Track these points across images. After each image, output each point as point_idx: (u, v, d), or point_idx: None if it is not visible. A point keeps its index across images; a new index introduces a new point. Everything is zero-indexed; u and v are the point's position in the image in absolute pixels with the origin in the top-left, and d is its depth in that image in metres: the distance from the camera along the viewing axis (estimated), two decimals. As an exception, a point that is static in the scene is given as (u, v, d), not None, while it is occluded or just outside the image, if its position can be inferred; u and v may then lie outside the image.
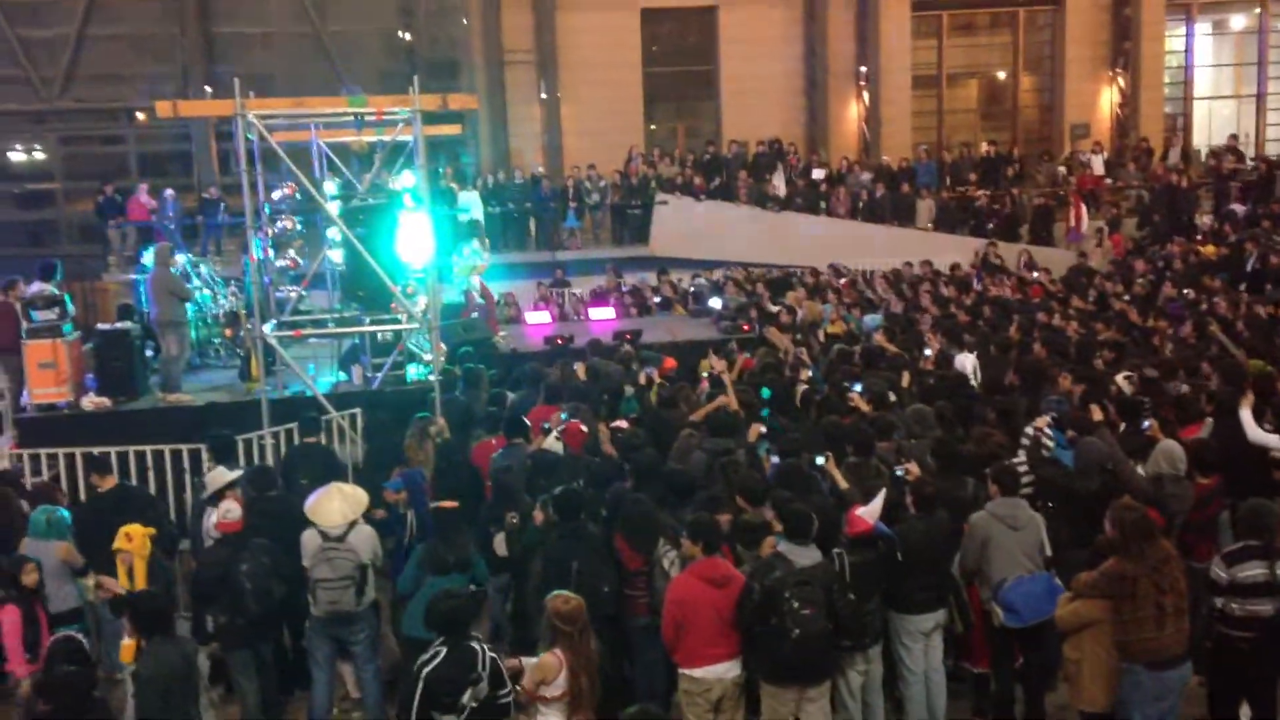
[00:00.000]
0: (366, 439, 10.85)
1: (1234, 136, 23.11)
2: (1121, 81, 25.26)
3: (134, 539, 7.21)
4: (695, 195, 21.87)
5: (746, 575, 6.36)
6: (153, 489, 10.20)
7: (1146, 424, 8.07)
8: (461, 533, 7.31)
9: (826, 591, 6.23)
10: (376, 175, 12.82)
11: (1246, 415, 8.10)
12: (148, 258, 12.69)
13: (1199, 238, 18.22)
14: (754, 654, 6.34)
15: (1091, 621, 6.10)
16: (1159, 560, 5.93)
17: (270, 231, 12.76)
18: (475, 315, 14.11)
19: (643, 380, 10.71)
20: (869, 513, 6.69)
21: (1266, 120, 26.45)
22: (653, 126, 25.34)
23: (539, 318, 16.92)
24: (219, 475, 8.00)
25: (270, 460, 10.43)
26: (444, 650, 5.61)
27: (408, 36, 24.12)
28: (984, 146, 23.70)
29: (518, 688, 5.67)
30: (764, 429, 8.54)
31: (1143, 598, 5.82)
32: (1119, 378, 9.50)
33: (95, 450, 9.65)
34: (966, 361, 10.71)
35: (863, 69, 24.78)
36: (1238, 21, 26.90)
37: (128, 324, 12.32)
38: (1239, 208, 19.15)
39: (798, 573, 6.15)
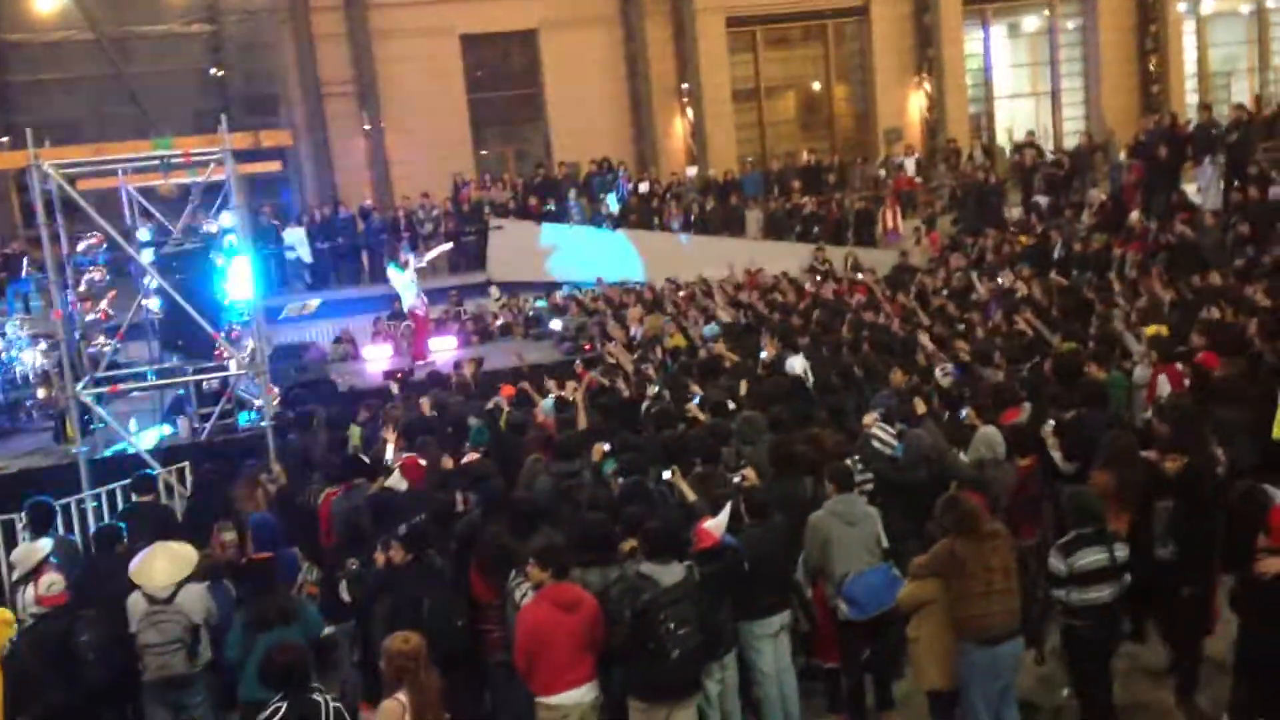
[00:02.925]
0: (193, 492, 10.40)
1: (1031, 132, 24.48)
2: (928, 86, 26.51)
3: None
4: (530, 218, 21.86)
5: (612, 598, 6.31)
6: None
7: (964, 412, 8.42)
8: (282, 585, 7.05)
9: (697, 607, 6.25)
10: (191, 218, 12.36)
11: (1052, 444, 8.22)
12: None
13: (1011, 230, 19.20)
14: (626, 673, 6.31)
15: (926, 601, 6.31)
16: (987, 537, 6.17)
17: (79, 284, 12.13)
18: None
19: (490, 405, 10.60)
20: (715, 525, 6.76)
21: (1063, 115, 28.17)
22: (483, 151, 25.25)
23: (378, 352, 16.59)
24: (30, 551, 7.52)
25: (92, 524, 9.88)
26: (284, 705, 5.40)
27: (219, 74, 23.39)
28: (805, 155, 24.47)
29: None
30: (607, 447, 8.55)
31: (971, 575, 6.05)
32: (936, 370, 9.91)
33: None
34: (797, 364, 10.97)
35: (684, 85, 25.29)
36: (1030, 23, 28.62)
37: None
38: (1043, 199, 20.27)
39: (667, 591, 6.14)
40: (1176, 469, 6.89)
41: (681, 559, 6.62)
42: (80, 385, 10.80)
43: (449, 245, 18.11)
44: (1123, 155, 20.64)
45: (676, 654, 6.07)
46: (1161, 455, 7.03)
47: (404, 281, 15.63)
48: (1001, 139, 26.50)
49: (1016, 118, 27.91)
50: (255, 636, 6.65)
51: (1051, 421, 8.18)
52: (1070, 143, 25.79)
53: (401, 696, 5.44)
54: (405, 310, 15.94)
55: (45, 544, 7.63)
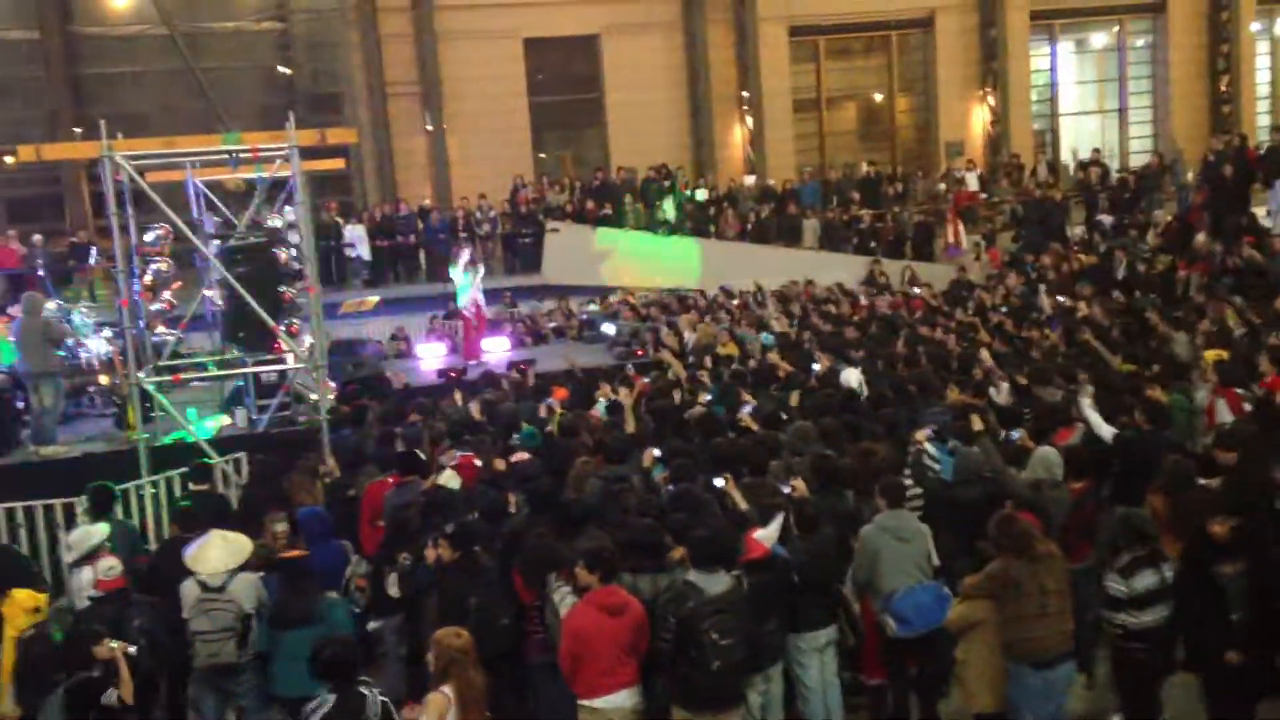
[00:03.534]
0: (249, 483, 10.55)
1: (1097, 150, 24.11)
2: (991, 100, 26.22)
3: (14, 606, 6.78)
4: (586, 222, 21.93)
5: (660, 605, 6.29)
6: (25, 547, 9.73)
7: (1017, 434, 8.30)
8: (311, 584, 7.10)
9: (741, 619, 6.21)
10: (255, 213, 12.56)
11: (1086, 404, 8.44)
12: (16, 308, 12.22)
13: (1074, 248, 18.93)
14: (670, 681, 6.28)
15: (978, 622, 6.22)
16: (1041, 559, 6.08)
17: (145, 274, 12.37)
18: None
19: (543, 412, 10.66)
20: (766, 536, 6.72)
21: (1129, 133, 27.71)
22: (541, 155, 25.38)
23: (433, 350, 16.74)
24: (87, 535, 7.66)
25: (150, 510, 10.07)
26: (332, 698, 5.45)
27: (287, 71, 23.76)
28: (864, 167, 24.30)
29: None
30: (658, 453, 8.54)
31: (1026, 596, 5.96)
32: (991, 388, 9.79)
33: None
34: (852, 377, 10.89)
35: (745, 94, 25.23)
36: (1098, 39, 28.20)
37: (-1, 376, 11.83)
38: (1107, 218, 19.96)
39: (712, 601, 6.09)
40: (1225, 534, 6.40)
41: (730, 569, 6.61)
42: (143, 373, 11.01)
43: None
44: (1190, 176, 20.26)
45: (717, 665, 6.03)
46: (1213, 514, 6.60)
47: (464, 282, 15.78)
48: (1066, 156, 26.10)
49: (1082, 135, 27.50)
50: (278, 633, 6.72)
51: (1090, 388, 8.32)
52: (1137, 161, 25.38)
53: (448, 690, 5.46)
54: (459, 310, 16.07)
55: (103, 528, 7.78)
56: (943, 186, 23.78)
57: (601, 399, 10.83)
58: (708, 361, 13.12)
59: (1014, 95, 26.11)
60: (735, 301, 18.02)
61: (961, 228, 21.87)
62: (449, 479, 8.59)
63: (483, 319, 16.21)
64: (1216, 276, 14.82)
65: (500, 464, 8.72)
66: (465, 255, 16.46)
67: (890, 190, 23.57)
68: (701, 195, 22.84)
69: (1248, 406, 8.82)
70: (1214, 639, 6.28)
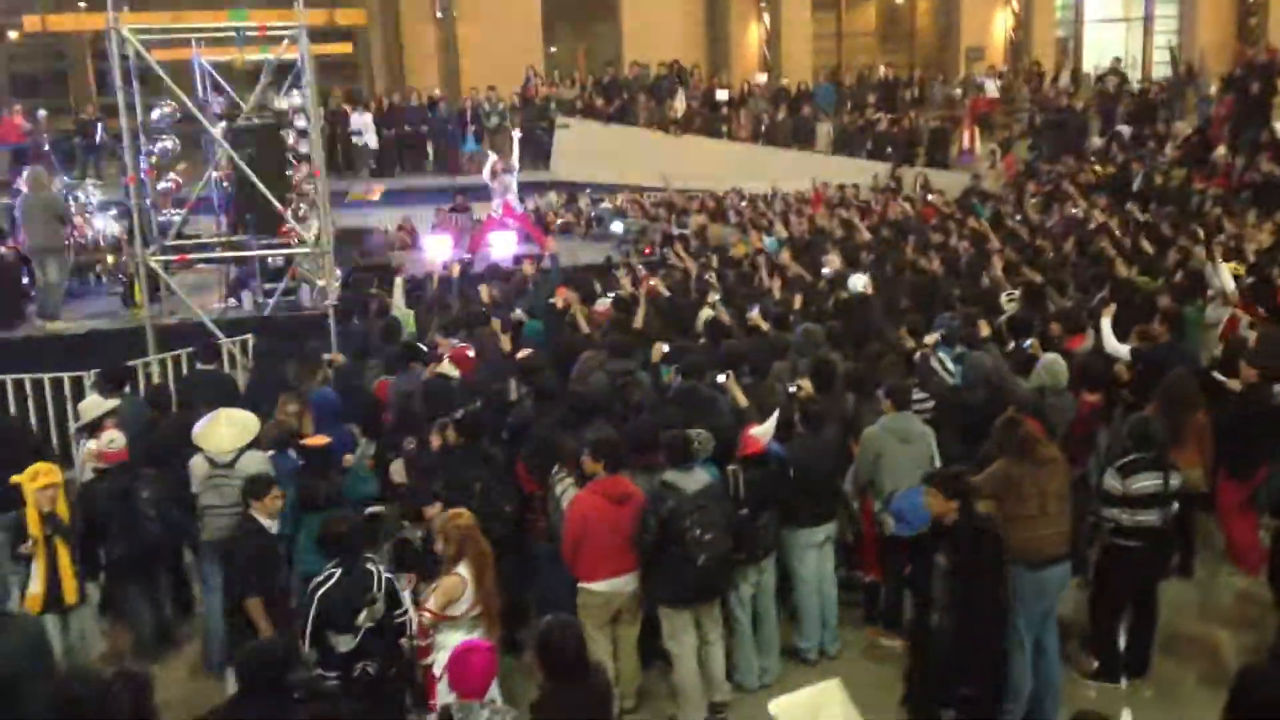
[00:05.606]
0: (255, 365, 10.59)
1: (1117, 59, 23.59)
2: (1015, 5, 25.57)
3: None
4: (597, 118, 21.60)
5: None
6: (33, 419, 9.83)
7: (1028, 343, 8.29)
8: (332, 468, 7.16)
9: (723, 511, 6.30)
10: (262, 95, 12.37)
11: (1106, 325, 8.43)
12: (21, 182, 12.12)
13: (1090, 159, 18.66)
14: (654, 580, 6.37)
15: (978, 523, 6.28)
16: (1043, 461, 6.11)
17: (151, 153, 12.24)
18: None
19: (561, 304, 10.61)
20: (762, 433, 6.77)
21: (1154, 43, 27.11)
22: (553, 48, 24.89)
23: (438, 243, 16.63)
24: (95, 404, 7.72)
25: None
26: (338, 572, 5.56)
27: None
28: (882, 69, 23.83)
29: (423, 612, 5.59)
30: (666, 348, 8.55)
31: (1025, 498, 6.01)
32: (1002, 296, 9.74)
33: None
34: (859, 281, 10.83)
35: (763, -10, 24.66)
36: (1128, -55, 27.41)
37: (2, 249, 11.79)
38: (1125, 129, 19.63)
39: (691, 498, 6.18)
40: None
41: (726, 464, 6.66)
42: (149, 251, 10.97)
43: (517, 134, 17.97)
44: (1213, 88, 19.87)
45: (703, 559, 6.13)
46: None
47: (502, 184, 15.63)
48: (1089, 64, 25.56)
49: (1105, 43, 26.89)
50: (305, 515, 6.82)
51: (1113, 305, 8.34)
52: (1159, 72, 24.86)
53: (463, 570, 5.54)
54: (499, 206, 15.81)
55: (111, 400, 7.82)
56: (959, 92, 23.35)
57: (609, 294, 10.81)
58: (714, 261, 13.06)
59: (1038, 1, 25.47)
60: (744, 204, 17.85)
61: (977, 134, 21.53)
62: (447, 368, 8.62)
63: (520, 216, 15.99)
64: (1235, 191, 14.64)
65: (507, 343, 8.71)
66: (491, 160, 16.20)
67: (907, 95, 23.15)
68: (723, 96, 22.42)
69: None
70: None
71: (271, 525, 6.42)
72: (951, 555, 5.76)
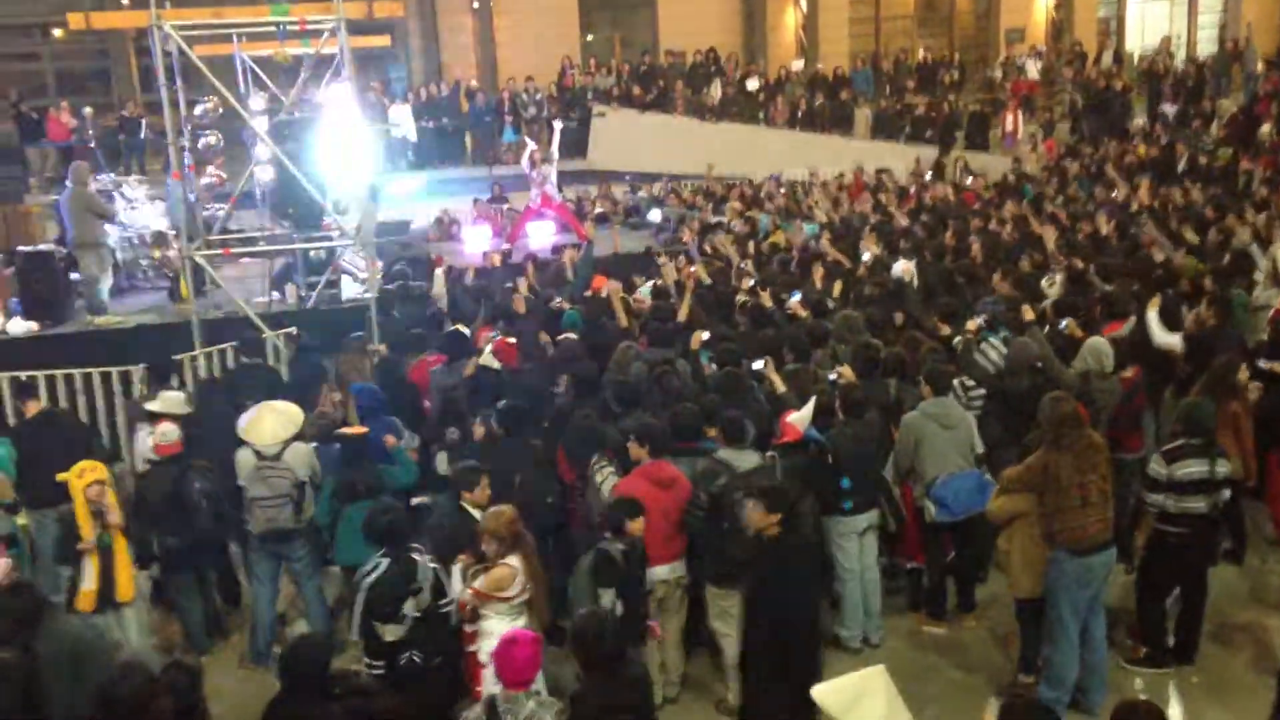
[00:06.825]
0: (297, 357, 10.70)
1: (1166, 39, 23.21)
2: (1056, -17, 25.24)
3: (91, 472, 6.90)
4: (633, 107, 21.57)
5: (690, 481, 6.42)
6: (82, 413, 10.01)
7: (1064, 323, 8.22)
8: (369, 460, 7.19)
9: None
10: (303, 89, 12.48)
11: (1153, 317, 8.31)
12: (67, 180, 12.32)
13: (1133, 140, 18.38)
14: (702, 559, 6.41)
15: (1019, 514, 6.25)
16: (1083, 448, 6.05)
17: (194, 148, 12.39)
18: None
19: (605, 293, 10.61)
20: (800, 419, 6.77)
21: (1198, 22, 26.62)
22: (589, 37, 24.88)
23: (477, 233, 16.70)
24: (178, 400, 7.82)
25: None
26: (385, 561, 5.62)
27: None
28: (921, 53, 23.59)
29: (468, 589, 5.61)
30: (706, 336, 8.55)
31: (1066, 486, 5.96)
32: (1043, 280, 9.65)
33: (23, 375, 9.45)
34: (900, 267, 10.76)
35: (800, -26, 24.49)
36: (1172, -78, 26.90)
37: (51, 245, 11.99)
38: (1170, 108, 19.32)
39: (742, 475, 6.23)
40: None
41: (764, 451, 6.67)
42: (194, 246, 11.12)
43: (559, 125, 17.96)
44: (1260, 66, 19.49)
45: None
46: None
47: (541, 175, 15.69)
48: (1132, 44, 25.14)
49: (1149, 23, 26.44)
50: (342, 506, 6.90)
51: (1159, 297, 8.29)
52: (1205, 51, 24.41)
53: (513, 560, 5.59)
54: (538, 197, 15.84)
55: (186, 406, 7.85)
56: (999, 74, 23.06)
57: (647, 284, 10.82)
58: (751, 249, 13.01)
59: (1079, -20, 25.14)
60: (782, 191, 17.76)
61: (1020, 117, 21.27)
62: (488, 359, 8.66)
63: (559, 206, 16.02)
64: (1281, 171, 14.39)
65: (545, 338, 8.76)
66: (529, 149, 16.24)
67: (946, 78, 22.91)
68: (753, 85, 22.31)
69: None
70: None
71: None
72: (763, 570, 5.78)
